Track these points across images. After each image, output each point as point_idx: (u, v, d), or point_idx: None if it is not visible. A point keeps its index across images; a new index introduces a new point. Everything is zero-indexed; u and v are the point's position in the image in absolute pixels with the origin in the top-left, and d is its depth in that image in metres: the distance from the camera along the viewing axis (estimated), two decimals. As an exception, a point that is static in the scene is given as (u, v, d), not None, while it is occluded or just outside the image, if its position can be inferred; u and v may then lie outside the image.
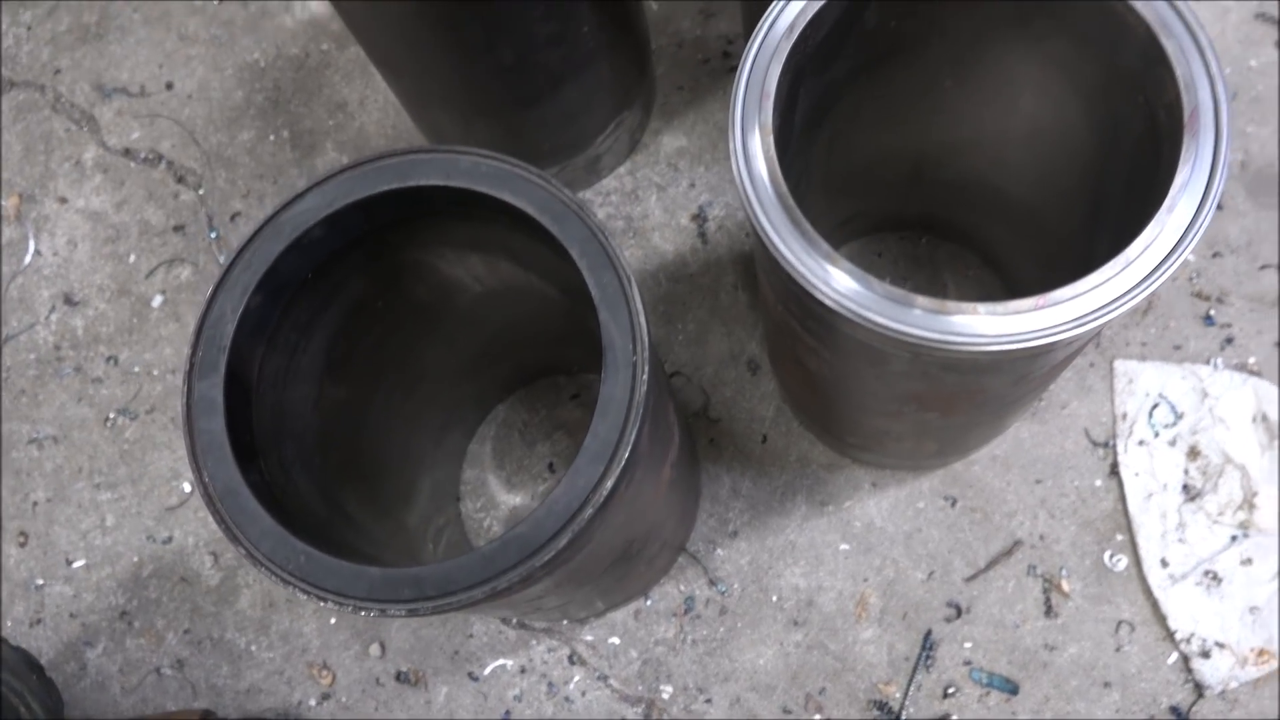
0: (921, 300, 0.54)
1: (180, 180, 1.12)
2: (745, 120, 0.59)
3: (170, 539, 1.03)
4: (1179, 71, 0.55)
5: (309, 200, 0.61)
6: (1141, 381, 0.92)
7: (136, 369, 1.08)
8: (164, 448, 1.05)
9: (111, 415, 1.07)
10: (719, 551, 0.95)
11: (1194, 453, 0.90)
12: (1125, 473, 0.91)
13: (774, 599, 0.93)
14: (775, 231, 0.57)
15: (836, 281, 0.56)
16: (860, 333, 0.56)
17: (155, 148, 1.14)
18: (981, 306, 0.54)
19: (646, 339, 0.55)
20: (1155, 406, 0.91)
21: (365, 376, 0.75)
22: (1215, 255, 0.95)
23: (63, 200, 1.14)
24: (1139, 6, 0.56)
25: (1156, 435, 0.91)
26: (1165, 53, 0.55)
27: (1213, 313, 0.94)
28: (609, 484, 0.53)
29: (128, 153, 1.14)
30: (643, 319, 0.55)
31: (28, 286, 1.12)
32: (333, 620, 0.99)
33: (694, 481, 0.93)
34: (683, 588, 0.95)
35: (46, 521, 1.05)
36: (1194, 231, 0.53)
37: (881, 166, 0.84)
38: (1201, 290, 0.94)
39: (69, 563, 1.04)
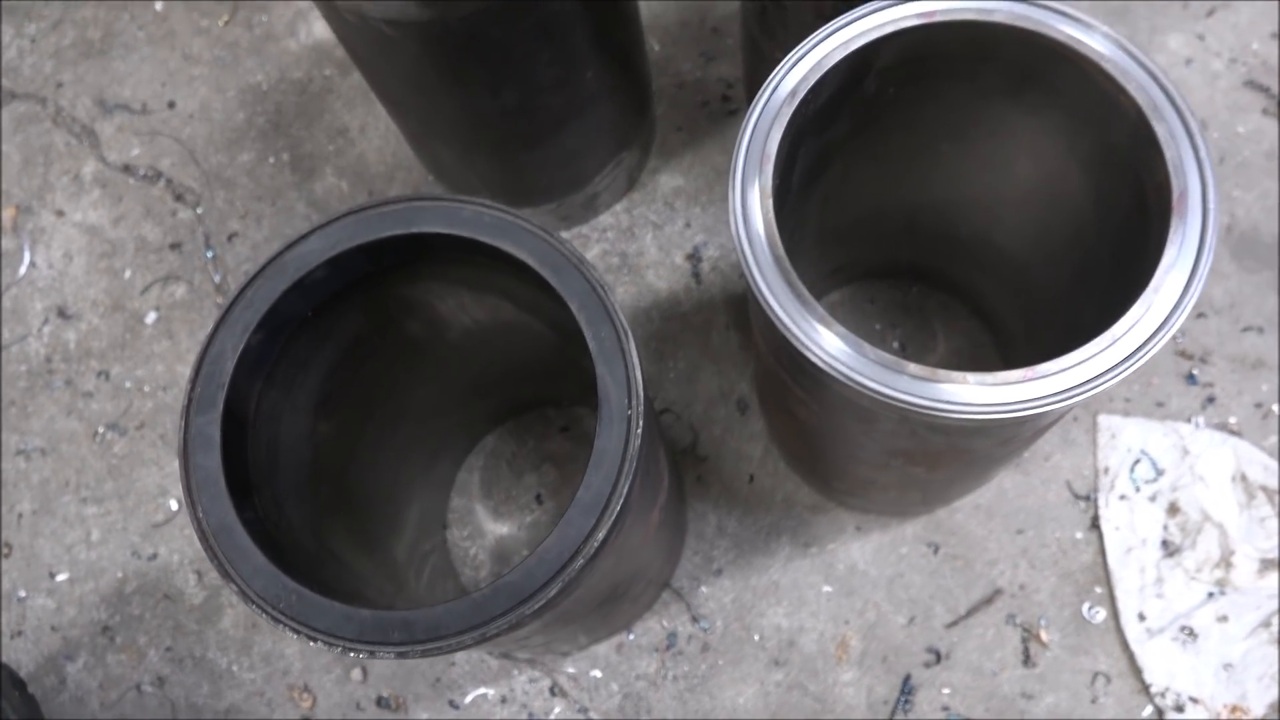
0: (912, 367, 0.55)
1: (179, 198, 1.13)
2: (745, 181, 0.60)
3: (155, 556, 1.03)
4: (1168, 154, 0.56)
5: (313, 242, 0.61)
6: (1124, 437, 0.94)
7: (128, 384, 1.08)
8: (152, 464, 1.06)
9: (101, 430, 1.07)
10: (703, 589, 0.96)
11: (1174, 509, 0.91)
12: (1106, 526, 0.92)
13: (756, 638, 0.94)
14: (770, 291, 0.58)
15: (829, 344, 0.57)
16: (850, 393, 0.58)
17: (155, 165, 1.14)
18: (971, 376, 0.55)
19: (642, 393, 0.56)
20: (1137, 462, 0.93)
21: (357, 410, 0.76)
22: (1200, 316, 0.97)
23: (60, 213, 1.14)
24: (1130, 88, 0.58)
25: (1137, 490, 0.92)
26: (1155, 135, 0.57)
27: (1195, 372, 0.95)
28: (600, 535, 0.54)
29: (127, 169, 1.15)
30: (638, 373, 0.57)
31: (21, 298, 1.12)
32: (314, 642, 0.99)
33: (680, 520, 0.94)
34: (665, 623, 0.95)
35: (31, 534, 1.05)
36: (1180, 310, 0.54)
37: (876, 220, 0.86)
38: (1185, 349, 0.96)
39: (52, 575, 1.04)
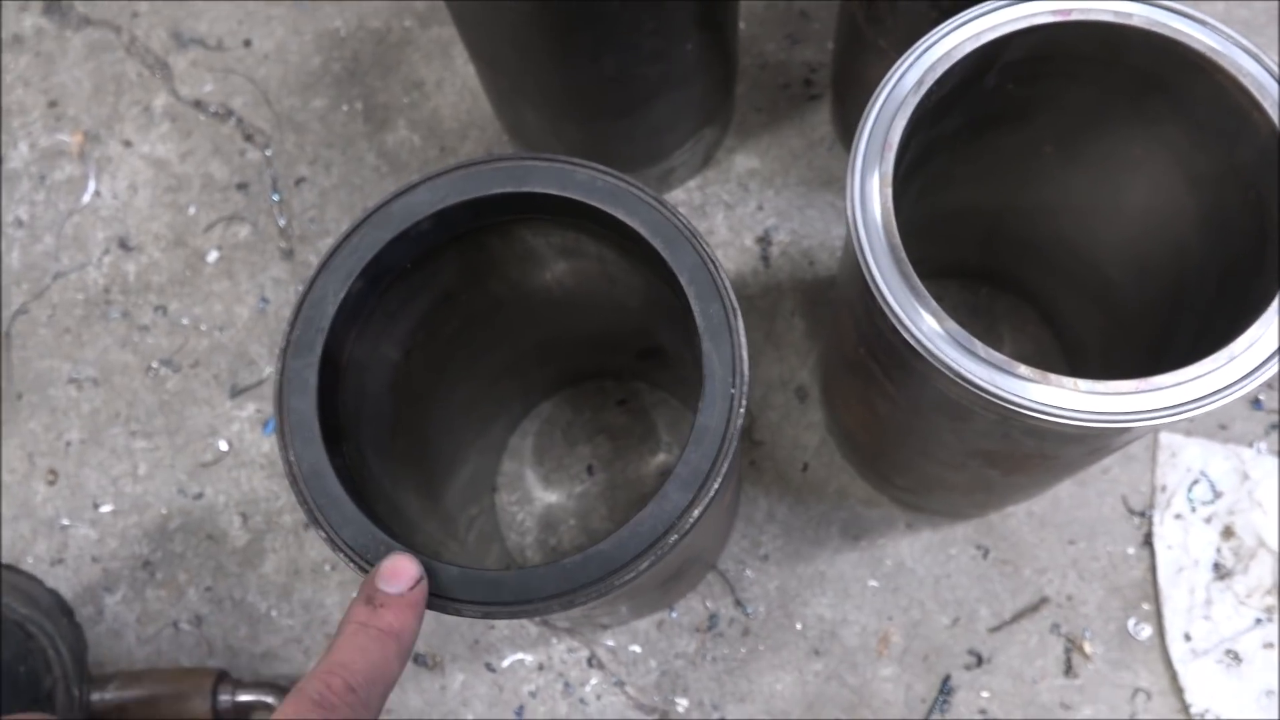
0: (1023, 369, 0.55)
1: (248, 139, 1.12)
2: (865, 168, 0.59)
3: (201, 495, 1.03)
4: (1300, 173, 0.56)
5: (420, 193, 0.61)
6: (1184, 456, 0.93)
7: (185, 321, 1.08)
8: (204, 404, 1.06)
9: (154, 365, 1.07)
10: (748, 573, 0.96)
11: (1229, 532, 0.91)
12: (1159, 544, 0.92)
13: (798, 626, 0.94)
14: (884, 279, 0.57)
15: (939, 339, 0.56)
16: (955, 390, 0.57)
17: (227, 103, 1.14)
18: (1082, 383, 0.54)
19: (746, 372, 0.56)
20: (1195, 483, 0.93)
21: (435, 365, 0.76)
22: (1271, 340, 0.96)
23: (127, 144, 1.14)
24: (1266, 104, 0.57)
25: (1194, 511, 0.92)
26: (1286, 154, 0.56)
27: (1261, 398, 0.95)
28: (695, 512, 0.54)
29: (198, 104, 1.14)
30: (744, 352, 0.56)
31: (84, 226, 1.12)
32: (354, 594, 0.99)
33: (735, 502, 0.94)
34: (709, 604, 0.96)
35: (78, 463, 1.05)
36: (1299, 335, 0.54)
37: (963, 217, 0.85)
38: (1253, 373, 0.96)
39: (96, 506, 1.04)
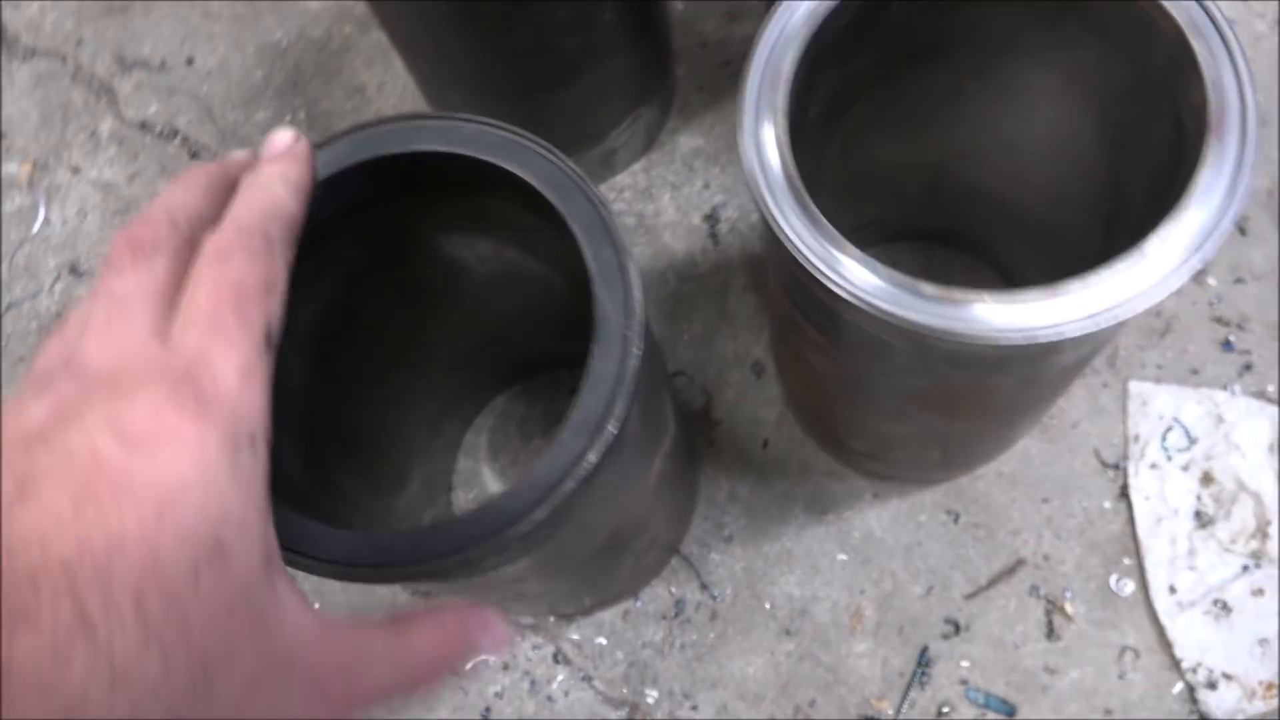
0: (928, 288, 0.53)
1: (194, 156, 1.12)
2: (760, 103, 0.57)
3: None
4: (1207, 73, 0.53)
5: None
6: (1156, 404, 0.90)
7: (138, 342, 1.07)
8: (160, 422, 1.04)
9: (110, 387, 1.06)
10: (713, 555, 0.93)
11: (1207, 479, 0.87)
12: (1135, 495, 0.88)
13: (767, 606, 0.91)
14: (782, 215, 0.55)
15: (843, 267, 0.54)
16: (866, 321, 0.55)
17: (172, 122, 1.14)
18: (989, 295, 0.52)
19: (640, 313, 0.54)
20: (1169, 430, 0.89)
21: (363, 351, 0.74)
22: (1238, 281, 0.93)
23: (75, 170, 1.14)
24: (1170, 7, 0.55)
25: (1169, 459, 0.88)
26: (1194, 54, 0.54)
27: (1232, 338, 0.92)
28: (592, 458, 0.51)
29: (144, 126, 1.14)
30: (638, 294, 0.54)
31: (35, 255, 1.12)
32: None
33: (690, 481, 0.91)
34: (674, 590, 0.93)
35: (38, 490, 1.04)
36: (1217, 231, 0.51)
37: (898, 172, 0.83)
38: (1222, 315, 0.92)
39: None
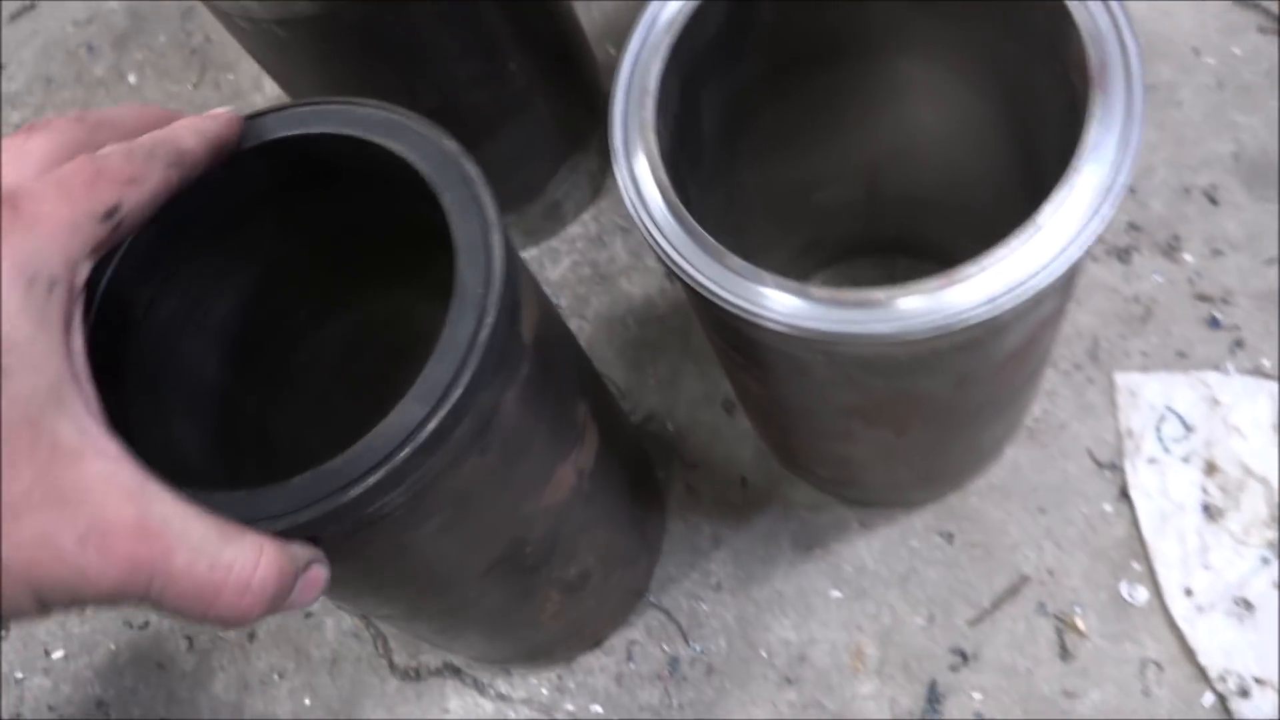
0: (818, 291, 0.49)
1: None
2: (628, 120, 0.55)
3: (146, 624, 1.00)
4: (1082, 24, 0.50)
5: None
6: (1145, 394, 0.84)
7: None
8: (140, 530, 1.03)
9: (90, 500, 1.06)
10: (703, 606, 0.89)
11: (1211, 468, 0.81)
12: (1136, 495, 0.82)
13: (763, 654, 0.86)
14: (659, 231, 0.53)
15: (729, 279, 0.51)
16: (764, 335, 0.52)
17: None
18: (880, 291, 0.48)
19: (499, 282, 0.49)
20: (1163, 420, 0.84)
21: (280, 355, 0.71)
22: (1215, 253, 0.88)
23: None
24: (1041, -37, 0.52)
25: (1167, 452, 0.83)
26: (1067, 9, 0.51)
27: (1218, 315, 0.86)
28: (431, 424, 0.47)
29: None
30: (499, 265, 0.49)
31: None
32: (307, 701, 0.94)
33: (644, 514, 0.86)
34: (665, 647, 0.88)
35: (26, 612, 1.03)
36: (1112, 191, 0.47)
37: (827, 185, 0.80)
38: (1203, 291, 0.87)
39: (48, 654, 1.02)
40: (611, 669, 0.89)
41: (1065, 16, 0.51)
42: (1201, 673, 0.78)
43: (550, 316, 0.61)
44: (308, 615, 0.97)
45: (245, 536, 0.42)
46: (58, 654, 1.01)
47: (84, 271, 0.41)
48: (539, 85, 0.84)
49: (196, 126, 0.49)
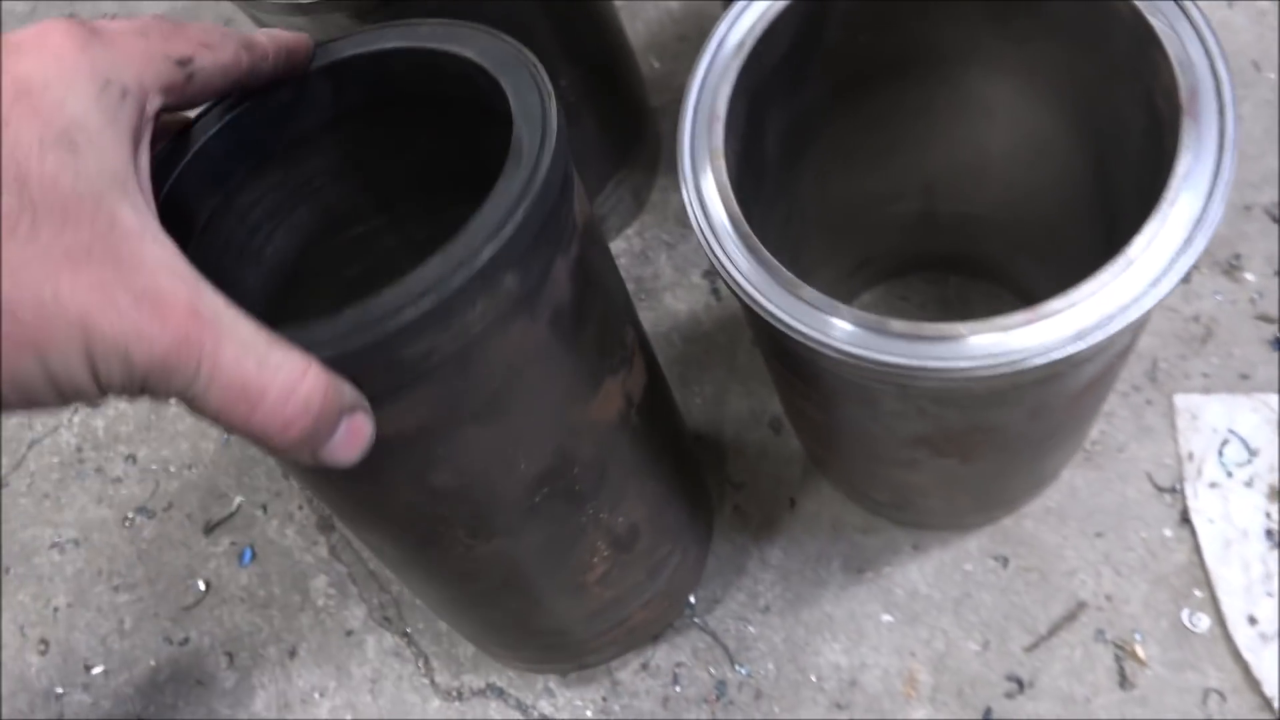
0: (897, 324, 0.48)
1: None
2: (695, 145, 0.54)
3: (187, 640, 1.00)
4: (1171, 51, 0.48)
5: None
6: (1207, 417, 0.83)
7: (154, 466, 1.06)
8: (180, 545, 1.03)
9: (130, 515, 1.05)
10: (750, 629, 0.88)
11: (1275, 493, 0.79)
12: (1198, 520, 0.81)
13: (813, 679, 0.85)
14: (730, 261, 0.51)
15: (802, 311, 0.50)
16: (837, 366, 0.50)
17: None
18: (964, 327, 0.47)
19: (554, 146, 0.48)
20: (1225, 444, 0.82)
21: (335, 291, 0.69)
22: (1278, 273, 0.86)
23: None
24: (1122, -16, 0.50)
25: (1230, 476, 0.81)
26: (1155, 32, 0.49)
27: (1282, 335, 0.84)
28: (484, 255, 0.44)
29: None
30: (554, 131, 0.48)
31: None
32: (348, 717, 0.94)
33: (693, 495, 0.83)
34: (712, 670, 0.87)
35: (67, 628, 1.03)
36: (1204, 223, 0.46)
37: (886, 203, 0.78)
38: (1265, 312, 0.85)
39: (88, 669, 1.01)
40: (658, 692, 0.88)
41: (1153, 43, 0.49)
42: (1266, 703, 0.76)
43: (597, 232, 0.59)
44: (349, 633, 0.97)
45: (293, 349, 0.41)
46: (97, 669, 1.01)
47: (155, 101, 0.43)
48: (587, 102, 0.83)
49: (269, 31, 0.51)
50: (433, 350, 0.46)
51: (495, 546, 0.64)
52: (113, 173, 0.38)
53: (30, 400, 0.36)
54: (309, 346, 0.42)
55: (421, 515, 0.59)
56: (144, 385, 0.37)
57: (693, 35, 1.08)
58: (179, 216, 0.52)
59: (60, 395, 0.36)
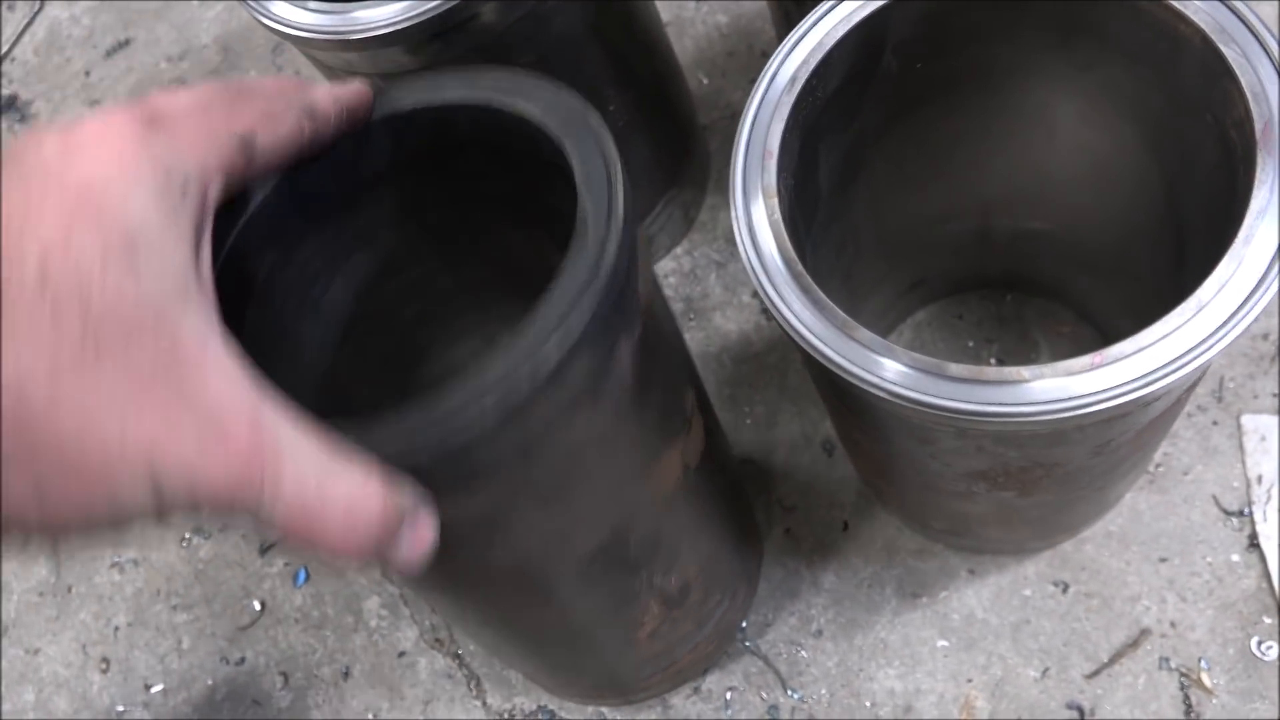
0: (954, 368, 0.47)
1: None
2: (747, 184, 0.53)
3: (243, 660, 1.01)
4: (1245, 81, 0.47)
5: None
6: (1276, 438, 0.80)
7: (210, 487, 1.07)
8: (236, 565, 1.04)
9: (187, 535, 1.07)
10: (803, 653, 0.87)
11: (1348, 518, 0.77)
12: (1267, 544, 0.78)
13: (867, 704, 0.84)
14: (784, 302, 0.51)
15: (856, 353, 0.49)
16: (891, 408, 0.49)
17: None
18: (1027, 371, 0.46)
19: (621, 222, 0.47)
20: (1295, 466, 0.79)
21: (390, 357, 0.69)
22: (1350, 288, 0.83)
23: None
24: (1188, 10, 0.49)
25: (1300, 500, 0.78)
26: (1227, 62, 0.47)
27: (1354, 354, 0.82)
28: (553, 352, 0.43)
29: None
30: (621, 204, 0.47)
31: None
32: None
33: (742, 538, 0.82)
34: (764, 695, 0.86)
35: (127, 647, 1.05)
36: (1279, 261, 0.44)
37: (943, 224, 0.77)
38: (1337, 329, 0.82)
39: (148, 688, 1.03)
40: (710, 716, 0.87)
41: (1224, 70, 0.47)
42: (1341, 737, 0.74)
43: (658, 293, 0.58)
44: (401, 654, 0.97)
45: (352, 462, 0.40)
46: (157, 688, 1.03)
47: (216, 187, 0.42)
48: (637, 123, 0.83)
49: (330, 90, 0.50)
50: (495, 450, 0.45)
51: (546, 611, 0.64)
52: (174, 279, 0.37)
53: (90, 529, 0.36)
54: (370, 448, 0.42)
55: (474, 585, 0.60)
56: (208, 510, 0.37)
57: (741, 51, 1.06)
58: (238, 276, 0.52)
59: (119, 524, 0.36)
